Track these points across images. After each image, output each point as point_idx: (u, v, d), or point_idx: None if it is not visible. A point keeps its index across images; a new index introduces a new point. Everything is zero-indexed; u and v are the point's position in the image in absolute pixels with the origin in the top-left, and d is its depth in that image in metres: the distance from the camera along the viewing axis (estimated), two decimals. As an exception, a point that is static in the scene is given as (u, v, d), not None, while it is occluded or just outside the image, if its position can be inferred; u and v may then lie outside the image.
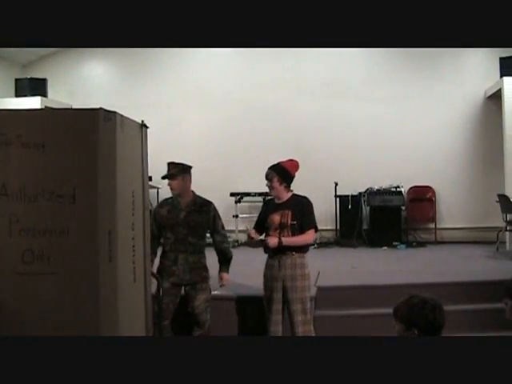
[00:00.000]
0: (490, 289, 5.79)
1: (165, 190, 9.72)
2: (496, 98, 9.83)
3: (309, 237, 4.99)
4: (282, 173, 5.01)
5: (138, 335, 3.70)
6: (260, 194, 10.10)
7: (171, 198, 5.21)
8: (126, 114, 3.46)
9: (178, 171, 5.11)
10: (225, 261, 5.29)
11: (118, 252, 3.31)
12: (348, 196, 10.09)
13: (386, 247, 9.70)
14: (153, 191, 9.12)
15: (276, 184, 5.00)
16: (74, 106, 9.66)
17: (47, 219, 3.24)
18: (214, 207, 5.27)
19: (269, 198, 5.21)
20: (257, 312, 5.58)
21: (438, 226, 10.26)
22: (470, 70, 10.29)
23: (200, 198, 5.24)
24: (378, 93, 10.49)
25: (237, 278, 6.03)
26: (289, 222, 4.93)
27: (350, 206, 10.03)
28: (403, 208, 10.20)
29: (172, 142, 10.30)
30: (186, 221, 5.10)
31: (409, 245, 9.86)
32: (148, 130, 3.94)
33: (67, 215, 3.23)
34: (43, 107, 9.30)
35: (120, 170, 3.34)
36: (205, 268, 5.22)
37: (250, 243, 5.18)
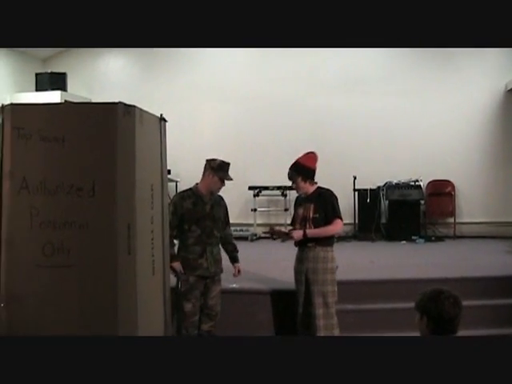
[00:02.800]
0: (509, 284, 5.75)
1: (183, 184, 9.79)
2: (517, 91, 9.73)
3: (334, 227, 4.97)
4: (304, 171, 5.04)
5: (156, 328, 3.72)
6: (278, 188, 10.11)
7: (190, 189, 5.18)
8: (145, 108, 3.48)
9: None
10: (236, 252, 5.35)
11: (137, 245, 3.33)
12: (367, 190, 10.05)
13: (404, 241, 9.66)
14: (171, 184, 9.14)
15: (300, 183, 5.05)
16: (92, 100, 9.72)
17: (67, 212, 3.27)
18: (225, 201, 5.33)
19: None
20: (271, 305, 5.61)
21: (457, 221, 10.18)
22: (490, 62, 10.16)
23: None
24: (396, 86, 10.42)
25: (255, 271, 6.05)
26: (311, 215, 4.94)
27: (368, 200, 9.99)
28: (422, 202, 10.14)
29: (189, 135, 10.34)
30: (211, 214, 5.10)
31: (427, 239, 9.80)
32: (167, 123, 3.95)
33: (86, 208, 3.26)
34: (63, 101, 9.35)
35: (139, 164, 3.36)
36: (221, 260, 5.25)
37: (273, 235, 5.21)
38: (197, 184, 5.17)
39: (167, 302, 4.01)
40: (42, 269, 3.25)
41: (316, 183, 5.10)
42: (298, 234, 4.95)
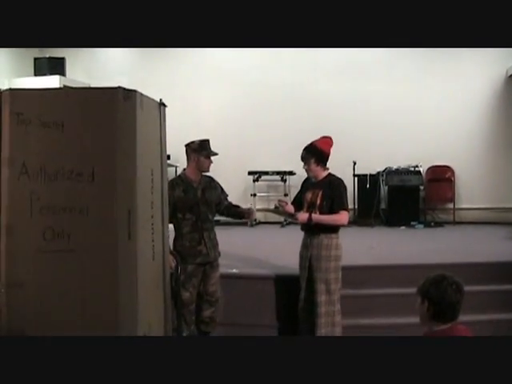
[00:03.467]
0: (508, 270, 5.77)
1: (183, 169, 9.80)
2: (518, 77, 9.70)
3: (340, 217, 4.94)
4: (318, 153, 4.99)
5: (156, 313, 3.74)
6: (278, 173, 10.10)
7: (179, 176, 5.15)
8: (143, 93, 3.47)
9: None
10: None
11: (138, 230, 3.33)
12: (366, 175, 10.06)
13: (403, 227, 9.68)
14: (171, 169, 9.14)
15: (313, 166, 4.99)
16: (91, 86, 9.67)
17: (67, 197, 3.26)
18: (218, 182, 5.31)
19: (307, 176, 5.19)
20: (272, 291, 5.64)
21: (456, 207, 10.19)
22: (491, 48, 10.11)
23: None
24: (397, 72, 10.39)
25: (255, 256, 6.06)
26: (318, 201, 4.94)
27: (368, 186, 9.99)
28: (421, 188, 10.15)
29: (189, 120, 10.30)
30: (204, 198, 5.08)
31: (427, 225, 9.83)
32: (166, 108, 3.94)
33: (87, 193, 3.26)
34: (62, 86, 9.32)
35: (139, 149, 3.36)
36: (218, 244, 5.23)
37: (278, 212, 5.20)
38: (184, 170, 5.15)
39: (167, 287, 4.02)
40: (43, 254, 3.26)
41: (328, 169, 5.07)
42: (303, 216, 4.94)
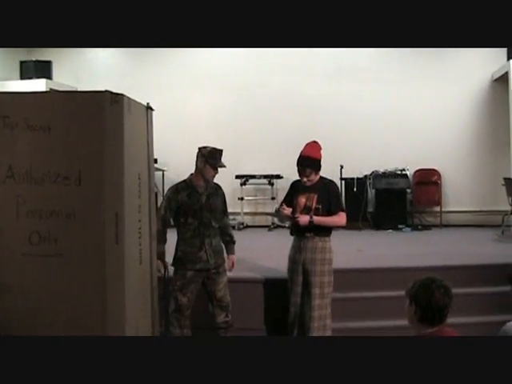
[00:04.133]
0: (494, 272, 5.79)
1: (171, 173, 9.79)
2: (503, 80, 9.75)
3: (340, 219, 4.97)
4: (318, 165, 5.01)
5: (143, 317, 3.73)
6: (265, 177, 10.10)
7: (184, 181, 5.08)
8: (131, 97, 3.46)
9: None
10: (232, 243, 5.22)
11: (125, 234, 3.32)
12: (353, 179, 10.06)
13: (391, 230, 9.70)
14: (158, 174, 9.11)
15: (313, 176, 4.98)
16: (78, 89, 9.63)
17: (54, 201, 3.25)
18: (223, 191, 5.22)
19: (296, 179, 5.16)
20: (262, 294, 5.63)
21: (443, 210, 10.23)
22: (477, 52, 10.15)
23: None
24: (384, 75, 10.41)
25: (244, 260, 6.05)
26: (313, 205, 4.93)
27: (355, 189, 10.00)
28: (409, 191, 10.17)
29: (177, 124, 10.28)
30: (208, 204, 4.99)
31: (414, 228, 9.85)
32: (153, 112, 3.93)
33: (73, 197, 3.25)
34: (48, 90, 9.28)
35: (127, 153, 3.35)
36: (223, 250, 5.15)
37: (279, 216, 5.15)
38: (191, 175, 5.09)
39: (154, 291, 4.01)
40: (29, 257, 3.24)
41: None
42: (304, 218, 4.89)
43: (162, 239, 4.85)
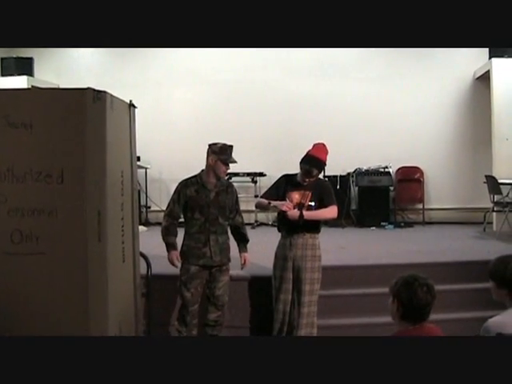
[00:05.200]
0: (476, 268, 5.83)
1: (154, 170, 9.75)
2: (485, 79, 9.82)
3: (330, 210, 4.94)
4: (323, 167, 5.06)
5: (126, 315, 3.71)
6: (248, 174, 10.09)
7: (194, 177, 5.06)
8: (113, 94, 3.44)
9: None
10: (245, 242, 5.22)
11: (108, 232, 3.31)
12: (336, 176, 10.08)
13: (374, 227, 9.74)
14: (141, 171, 9.06)
15: (316, 176, 4.99)
16: (60, 86, 9.56)
17: (35, 199, 3.23)
18: (235, 188, 5.23)
19: (288, 173, 5.14)
20: (250, 292, 5.65)
21: (425, 207, 10.29)
22: (459, 50, 10.22)
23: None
24: (367, 73, 10.46)
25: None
26: (307, 202, 4.92)
27: (338, 187, 10.02)
28: (391, 188, 10.23)
29: (160, 121, 10.24)
30: (216, 201, 4.99)
31: (397, 225, 9.90)
32: (136, 109, 3.92)
33: (55, 195, 3.23)
34: (30, 87, 9.20)
35: (109, 150, 3.33)
36: (229, 249, 5.14)
37: (265, 206, 5.07)
38: (202, 171, 5.07)
39: (137, 289, 4.00)
40: (11, 256, 3.22)
41: None
42: (294, 213, 4.86)
43: (172, 232, 4.95)
